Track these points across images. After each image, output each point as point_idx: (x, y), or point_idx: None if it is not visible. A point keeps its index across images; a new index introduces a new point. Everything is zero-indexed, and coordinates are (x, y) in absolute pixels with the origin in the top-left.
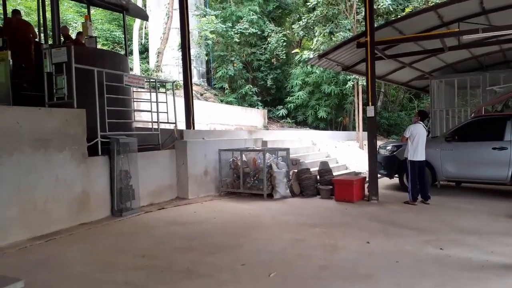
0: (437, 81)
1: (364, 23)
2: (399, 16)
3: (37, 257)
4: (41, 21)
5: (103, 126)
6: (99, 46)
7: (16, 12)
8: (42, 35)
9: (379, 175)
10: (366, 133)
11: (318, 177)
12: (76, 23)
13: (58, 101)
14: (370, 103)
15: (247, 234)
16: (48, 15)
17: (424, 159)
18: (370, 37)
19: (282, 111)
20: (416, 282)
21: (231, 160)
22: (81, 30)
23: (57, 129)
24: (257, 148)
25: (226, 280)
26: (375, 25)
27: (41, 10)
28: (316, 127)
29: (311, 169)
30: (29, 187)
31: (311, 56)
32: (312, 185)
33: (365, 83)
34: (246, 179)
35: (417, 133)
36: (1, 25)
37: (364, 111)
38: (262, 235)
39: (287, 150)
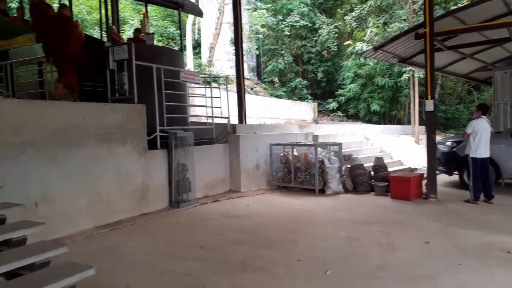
0: (501, 72)
1: (421, 13)
2: (459, 5)
3: (102, 245)
4: (103, 19)
5: (161, 120)
6: (154, 42)
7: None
8: (103, 33)
9: (437, 172)
10: (422, 127)
11: (372, 173)
12: (133, 20)
13: (120, 97)
14: (429, 97)
15: (300, 229)
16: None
17: (488, 156)
18: (429, 27)
19: (333, 105)
20: (481, 287)
21: (282, 154)
22: (138, 27)
23: (120, 123)
24: (309, 143)
25: (282, 275)
26: (434, 15)
27: (102, 9)
28: (369, 121)
29: (364, 165)
30: (95, 178)
31: (364, 47)
32: (366, 181)
33: (421, 75)
34: (297, 173)
35: (480, 128)
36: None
37: (420, 104)
38: (315, 231)
39: (340, 145)
